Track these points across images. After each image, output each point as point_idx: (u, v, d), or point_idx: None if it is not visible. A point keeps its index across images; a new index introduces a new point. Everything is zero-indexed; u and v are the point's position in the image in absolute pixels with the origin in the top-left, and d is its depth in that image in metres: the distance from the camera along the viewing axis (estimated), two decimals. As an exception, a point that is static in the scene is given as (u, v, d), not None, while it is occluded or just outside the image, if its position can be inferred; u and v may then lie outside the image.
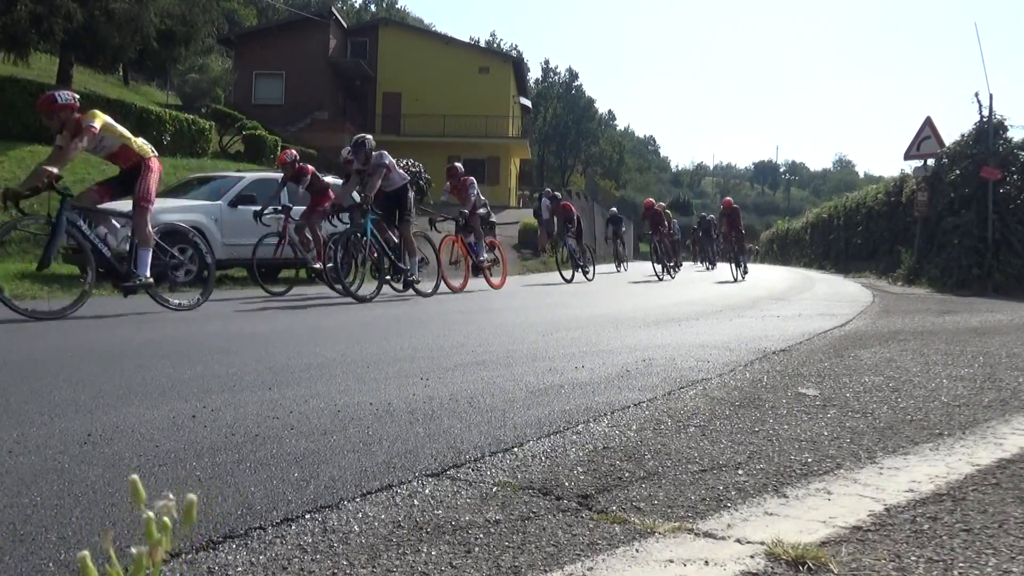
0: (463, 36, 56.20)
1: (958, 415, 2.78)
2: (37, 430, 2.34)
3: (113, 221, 6.40)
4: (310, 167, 9.87)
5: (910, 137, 14.82)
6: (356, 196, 8.88)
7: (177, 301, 6.74)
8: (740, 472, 2.04)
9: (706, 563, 1.43)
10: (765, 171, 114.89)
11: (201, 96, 31.58)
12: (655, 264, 16.17)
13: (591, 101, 67.43)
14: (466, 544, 1.53)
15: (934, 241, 13.75)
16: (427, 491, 1.85)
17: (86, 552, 0.69)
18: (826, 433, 2.49)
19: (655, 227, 16.99)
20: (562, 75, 66.76)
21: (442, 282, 9.64)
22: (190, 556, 1.44)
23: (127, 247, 6.39)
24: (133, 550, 0.66)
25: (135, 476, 0.69)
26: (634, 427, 2.55)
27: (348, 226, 8.62)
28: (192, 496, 0.69)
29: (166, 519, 0.66)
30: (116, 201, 6.54)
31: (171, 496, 0.67)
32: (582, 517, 1.69)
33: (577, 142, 64.34)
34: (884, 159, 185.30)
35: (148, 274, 6.33)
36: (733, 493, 1.86)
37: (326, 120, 32.57)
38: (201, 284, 7.35)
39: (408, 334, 5.11)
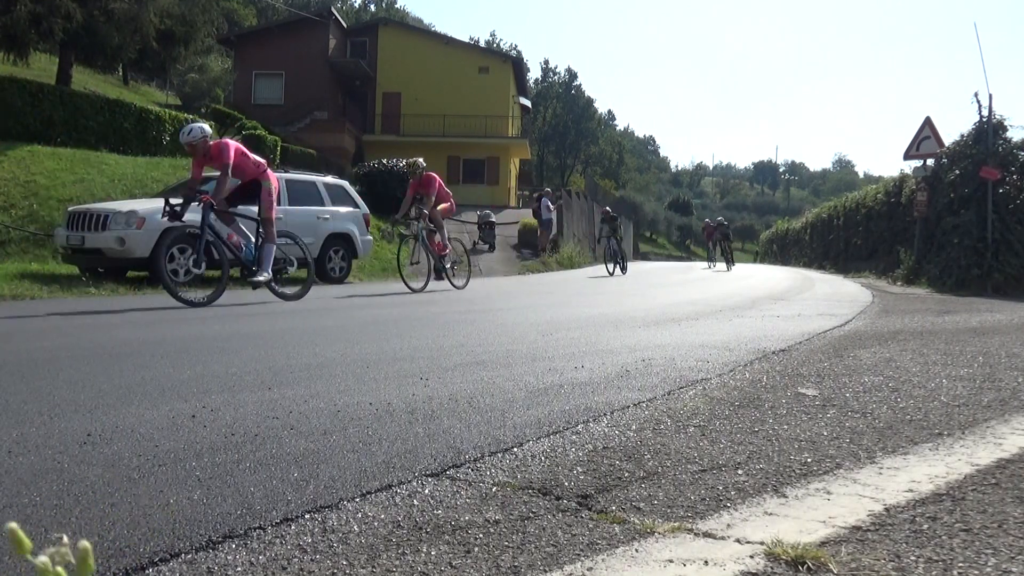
0: (463, 36, 56.22)
1: (957, 415, 2.78)
2: (37, 430, 2.34)
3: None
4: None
5: (910, 137, 14.83)
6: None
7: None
8: (740, 472, 2.04)
9: (706, 563, 1.43)
10: (765, 171, 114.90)
11: (201, 96, 31.60)
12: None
13: (590, 101, 67.39)
14: (466, 544, 1.53)
15: (933, 241, 13.75)
16: (427, 491, 1.85)
17: None
18: (826, 433, 2.49)
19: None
20: (561, 75, 66.74)
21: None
22: (190, 556, 1.44)
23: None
24: None
25: (14, 524, 0.61)
26: (634, 427, 2.55)
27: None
28: (86, 543, 0.62)
29: (60, 569, 0.59)
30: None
31: (65, 539, 0.61)
32: (582, 517, 1.69)
33: (577, 142, 64.30)
34: (884, 159, 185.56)
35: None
36: (733, 493, 1.86)
37: (326, 120, 32.51)
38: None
39: (408, 334, 5.11)
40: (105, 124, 17.43)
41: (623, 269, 18.45)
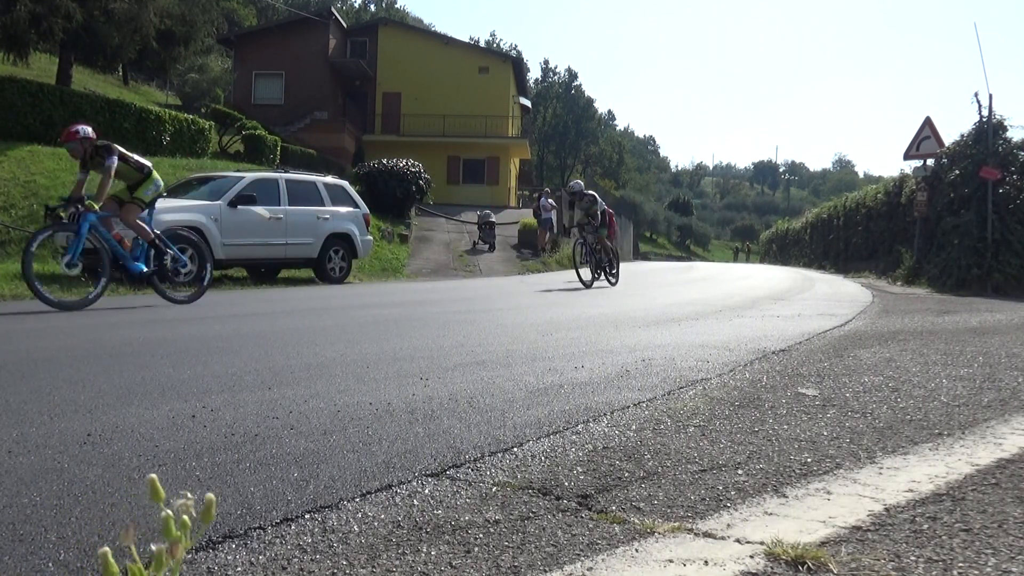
0: (463, 36, 56.22)
1: (957, 415, 2.78)
2: (37, 430, 2.34)
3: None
4: None
5: (910, 137, 14.83)
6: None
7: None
8: (740, 472, 2.04)
9: (706, 563, 1.43)
10: (765, 171, 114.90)
11: (201, 96, 31.61)
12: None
13: (591, 101, 67.32)
14: (466, 544, 1.53)
15: (933, 241, 13.75)
16: (427, 491, 1.85)
17: (107, 548, 0.70)
18: (826, 433, 2.49)
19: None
20: (561, 75, 66.70)
21: None
22: (190, 556, 1.44)
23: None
24: (153, 547, 0.66)
25: (154, 475, 0.72)
26: (634, 427, 2.55)
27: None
28: (211, 495, 0.71)
29: (185, 517, 0.67)
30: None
31: (189, 495, 0.69)
32: (582, 517, 1.69)
33: (577, 142, 64.25)
34: (884, 159, 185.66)
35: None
36: (733, 493, 1.86)
37: (326, 120, 32.51)
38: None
39: (408, 334, 5.11)
40: (105, 124, 17.39)
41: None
